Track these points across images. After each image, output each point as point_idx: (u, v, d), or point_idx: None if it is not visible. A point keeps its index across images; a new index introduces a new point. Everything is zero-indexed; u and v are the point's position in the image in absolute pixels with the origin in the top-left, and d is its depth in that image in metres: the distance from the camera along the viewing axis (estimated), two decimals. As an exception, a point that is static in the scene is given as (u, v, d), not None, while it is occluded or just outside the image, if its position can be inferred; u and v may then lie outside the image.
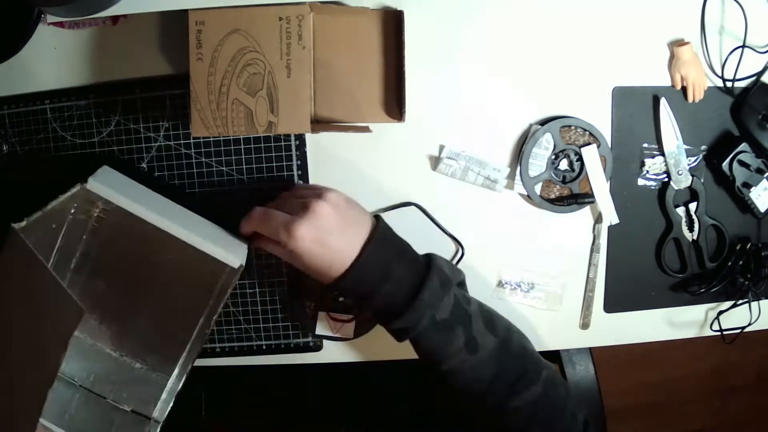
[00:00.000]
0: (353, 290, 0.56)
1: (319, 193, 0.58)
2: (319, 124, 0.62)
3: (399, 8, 0.61)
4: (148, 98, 0.67)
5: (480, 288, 0.73)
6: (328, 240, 0.55)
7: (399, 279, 0.55)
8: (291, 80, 0.58)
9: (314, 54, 0.60)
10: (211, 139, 0.68)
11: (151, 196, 0.65)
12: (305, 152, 0.68)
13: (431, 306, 0.55)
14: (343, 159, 0.69)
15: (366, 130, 0.64)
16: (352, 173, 0.70)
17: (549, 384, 0.58)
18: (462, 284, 0.62)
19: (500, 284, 0.73)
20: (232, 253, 0.61)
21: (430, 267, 0.57)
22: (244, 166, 0.69)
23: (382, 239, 0.57)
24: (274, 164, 0.68)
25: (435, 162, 0.70)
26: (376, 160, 0.70)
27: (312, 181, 0.69)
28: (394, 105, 0.63)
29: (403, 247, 0.59)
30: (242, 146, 0.68)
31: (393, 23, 0.62)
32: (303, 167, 0.69)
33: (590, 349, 0.92)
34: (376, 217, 0.60)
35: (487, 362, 0.56)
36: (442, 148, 0.70)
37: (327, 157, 0.69)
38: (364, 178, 0.70)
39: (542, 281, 0.73)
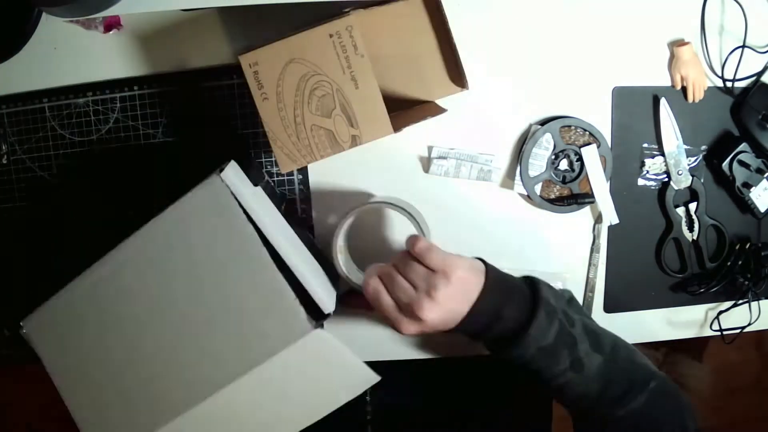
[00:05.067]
0: (465, 332, 0.59)
1: (444, 271, 0.57)
2: (396, 117, 0.62)
3: None
4: (145, 95, 0.67)
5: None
6: (452, 310, 0.57)
7: (508, 319, 0.58)
8: (360, 90, 0.57)
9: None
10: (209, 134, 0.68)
11: (266, 203, 0.62)
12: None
13: (537, 339, 0.58)
14: (341, 161, 0.69)
15: (440, 110, 0.65)
16: (349, 176, 0.70)
17: (655, 394, 0.61)
18: (571, 300, 0.64)
19: None
20: (327, 297, 0.59)
21: (537, 302, 0.59)
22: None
23: (491, 287, 0.59)
24: (273, 159, 0.68)
25: (427, 163, 0.70)
26: (372, 166, 0.70)
27: (312, 181, 0.70)
28: (456, 74, 0.65)
29: (512, 288, 0.61)
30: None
31: (432, 1, 0.63)
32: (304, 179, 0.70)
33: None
34: (484, 263, 0.61)
35: (593, 379, 0.59)
36: (431, 149, 0.70)
37: (325, 177, 0.70)
38: (361, 184, 0.70)
39: None
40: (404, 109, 0.67)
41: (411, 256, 0.58)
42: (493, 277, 0.59)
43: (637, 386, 0.60)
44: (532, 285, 0.61)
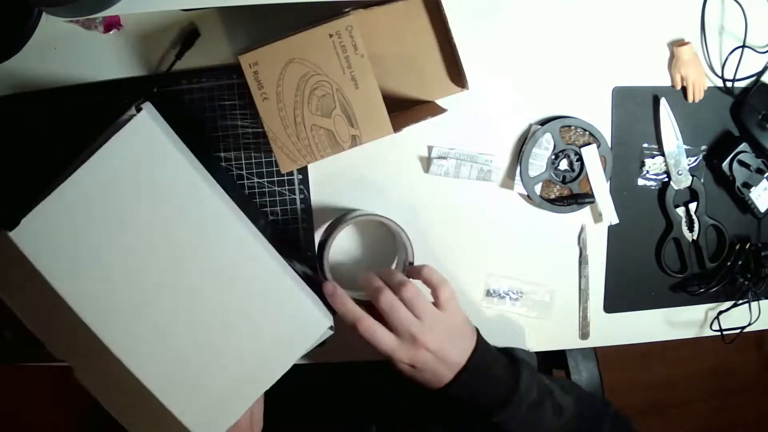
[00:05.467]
0: (456, 390, 0.60)
1: (450, 312, 0.60)
2: (396, 117, 0.62)
3: None
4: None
5: (470, 294, 0.73)
6: (446, 352, 0.59)
7: (497, 379, 0.61)
8: (360, 90, 0.58)
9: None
10: (211, 135, 0.68)
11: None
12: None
13: (527, 393, 0.61)
14: (341, 161, 0.69)
15: (440, 110, 0.65)
16: (349, 176, 0.70)
17: (615, 419, 0.67)
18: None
19: (488, 293, 0.73)
20: (323, 313, 0.60)
21: (518, 363, 0.63)
22: (244, 162, 0.69)
23: (483, 348, 0.62)
24: (274, 159, 0.68)
25: (427, 164, 0.70)
26: (372, 166, 0.70)
27: (312, 181, 0.70)
28: (456, 74, 0.65)
29: (497, 353, 0.64)
30: (241, 141, 0.68)
31: (432, 1, 0.63)
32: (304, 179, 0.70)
33: (595, 351, 0.92)
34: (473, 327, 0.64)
35: (571, 420, 0.63)
36: (431, 149, 0.70)
37: (325, 172, 0.69)
38: (361, 184, 0.70)
39: (530, 289, 0.73)
40: (404, 109, 0.67)
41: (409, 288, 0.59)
42: (483, 341, 0.63)
43: (602, 415, 0.66)
44: (506, 350, 0.66)
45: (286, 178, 0.69)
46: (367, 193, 0.70)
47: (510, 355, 0.65)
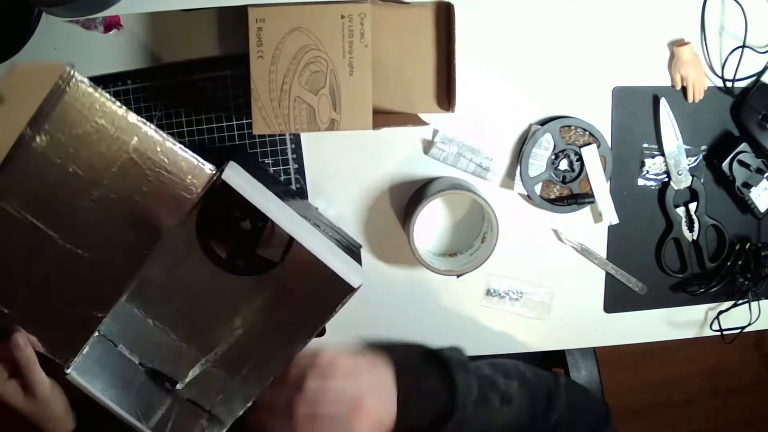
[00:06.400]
0: (408, 419, 0.57)
1: (306, 363, 0.58)
2: (378, 116, 0.62)
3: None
4: (139, 89, 0.67)
5: (470, 293, 0.73)
6: (322, 407, 0.56)
7: (433, 392, 0.58)
8: (353, 78, 0.57)
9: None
10: (204, 127, 0.68)
11: (267, 193, 0.62)
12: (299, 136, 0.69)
13: (467, 394, 0.58)
14: (337, 138, 0.69)
15: (423, 123, 0.65)
16: (346, 154, 0.70)
17: (569, 390, 0.64)
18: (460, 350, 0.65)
19: (488, 293, 0.73)
20: (352, 271, 0.58)
21: (448, 364, 0.59)
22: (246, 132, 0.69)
23: (404, 368, 0.59)
24: (269, 149, 0.69)
25: (428, 146, 0.70)
26: (371, 144, 0.69)
27: (308, 167, 0.70)
28: (444, 95, 0.65)
29: (418, 361, 0.61)
30: (236, 134, 0.69)
31: (443, 16, 0.63)
32: (297, 148, 0.69)
33: (594, 350, 0.92)
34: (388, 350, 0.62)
35: (522, 404, 0.60)
36: (435, 132, 0.70)
37: (321, 138, 0.69)
38: (358, 162, 0.70)
39: (530, 290, 0.73)
40: (387, 111, 0.66)
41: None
42: (399, 358, 0.60)
43: (553, 390, 0.62)
44: (429, 353, 0.62)
45: (280, 158, 0.69)
46: (360, 161, 0.70)
47: (436, 357, 0.62)
